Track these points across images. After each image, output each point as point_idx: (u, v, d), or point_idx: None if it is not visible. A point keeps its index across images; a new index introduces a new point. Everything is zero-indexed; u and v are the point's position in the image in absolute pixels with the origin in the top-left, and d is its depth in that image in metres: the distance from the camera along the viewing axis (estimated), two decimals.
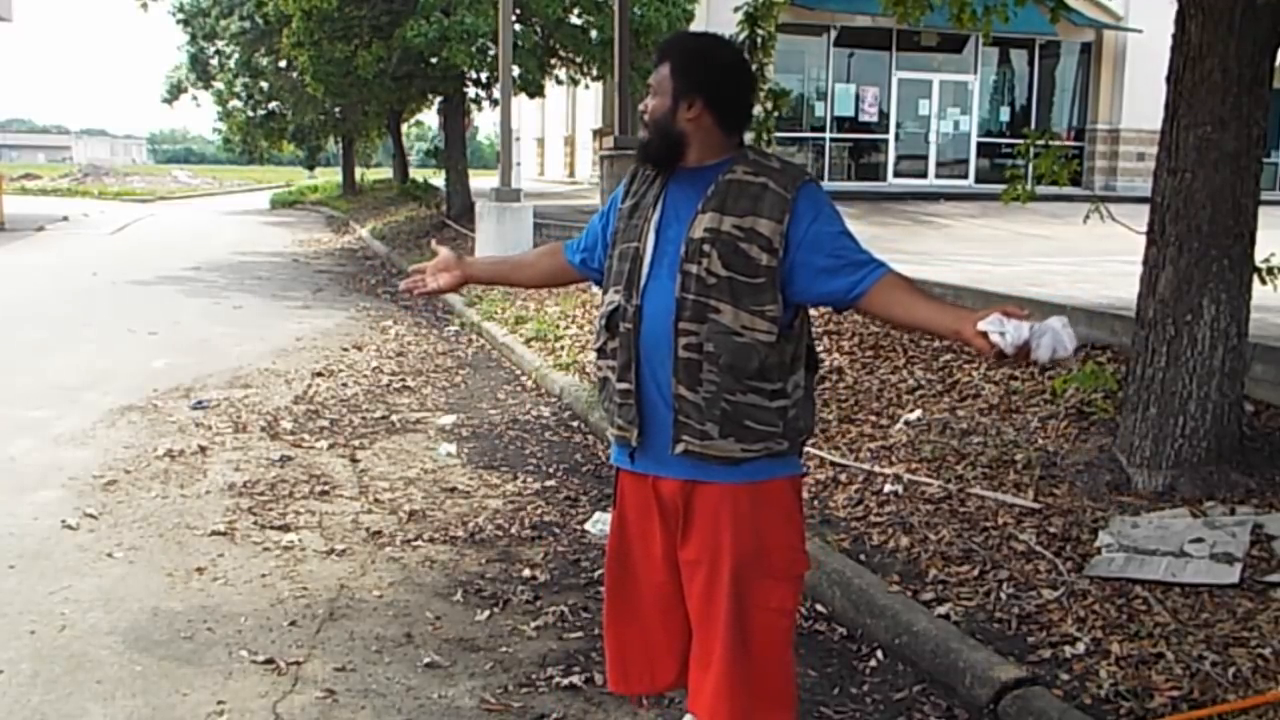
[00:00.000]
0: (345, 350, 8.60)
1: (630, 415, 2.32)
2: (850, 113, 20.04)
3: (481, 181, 20.85)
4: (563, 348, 7.97)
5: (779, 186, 2.24)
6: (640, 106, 2.34)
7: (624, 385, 2.33)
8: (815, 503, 4.45)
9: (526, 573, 4.06)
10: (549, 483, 5.21)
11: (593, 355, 2.48)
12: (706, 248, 2.23)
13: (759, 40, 9.89)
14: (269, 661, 3.29)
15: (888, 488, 4.52)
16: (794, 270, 2.24)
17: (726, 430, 2.25)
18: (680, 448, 2.27)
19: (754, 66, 10.06)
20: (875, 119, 20.16)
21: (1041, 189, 5.44)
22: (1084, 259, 9.23)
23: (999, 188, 5.48)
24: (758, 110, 10.35)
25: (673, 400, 2.27)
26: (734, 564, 2.29)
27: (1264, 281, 4.54)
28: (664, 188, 2.34)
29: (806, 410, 2.36)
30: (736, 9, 6.54)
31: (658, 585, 2.42)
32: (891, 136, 20.36)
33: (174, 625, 3.53)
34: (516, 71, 15.02)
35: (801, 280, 2.24)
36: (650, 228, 2.32)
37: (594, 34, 15.49)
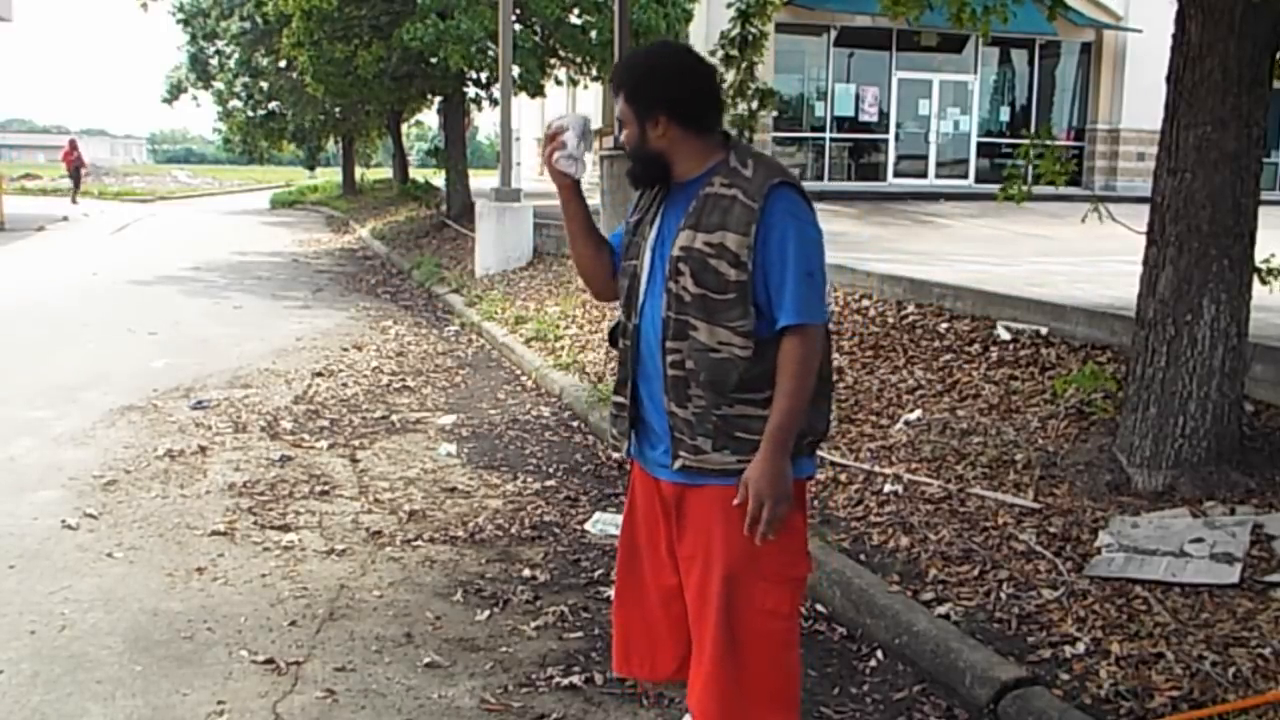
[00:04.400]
0: (345, 350, 8.60)
1: (622, 428, 2.43)
2: (850, 113, 20.01)
3: (482, 181, 20.85)
4: (563, 348, 7.97)
5: (748, 198, 2.20)
6: (620, 138, 2.36)
7: (619, 399, 2.44)
8: (815, 503, 4.45)
9: (526, 573, 4.06)
10: (549, 483, 5.21)
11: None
12: (682, 266, 2.25)
13: (750, 37, 9.88)
14: (269, 661, 3.29)
15: (888, 488, 4.52)
16: (761, 283, 2.21)
17: (720, 443, 2.27)
18: (679, 464, 2.31)
19: (744, 64, 10.07)
20: (875, 119, 20.13)
21: (1041, 189, 5.45)
22: (1084, 259, 9.22)
23: (999, 188, 5.48)
24: (742, 109, 10.35)
25: (666, 417, 2.31)
26: (726, 565, 2.29)
27: (1264, 282, 4.55)
28: (661, 204, 2.36)
29: (813, 414, 2.30)
30: (729, 4, 6.50)
31: (661, 575, 2.47)
32: (891, 136, 20.34)
33: (174, 625, 3.53)
34: (516, 71, 15.02)
35: (762, 294, 2.21)
36: (647, 246, 2.35)
37: (594, 34, 15.50)
